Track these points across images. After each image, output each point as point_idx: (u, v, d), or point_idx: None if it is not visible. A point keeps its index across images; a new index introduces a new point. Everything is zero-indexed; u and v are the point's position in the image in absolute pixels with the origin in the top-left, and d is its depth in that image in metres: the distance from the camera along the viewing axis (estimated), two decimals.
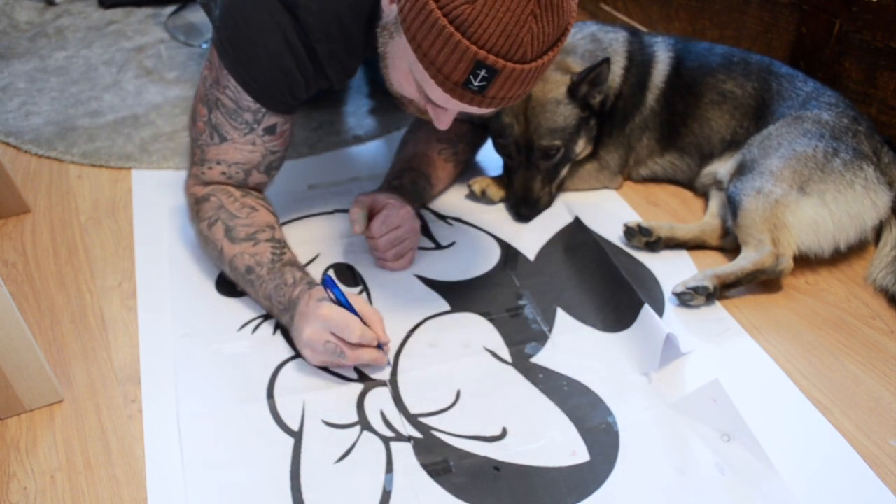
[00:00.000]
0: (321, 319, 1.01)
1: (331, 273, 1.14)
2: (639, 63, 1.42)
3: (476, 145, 1.46)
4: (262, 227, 1.16)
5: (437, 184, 1.38)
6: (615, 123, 1.43)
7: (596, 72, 1.31)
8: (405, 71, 0.99)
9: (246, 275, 1.13)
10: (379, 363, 1.06)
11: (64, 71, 1.91)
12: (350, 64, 1.13)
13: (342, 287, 1.04)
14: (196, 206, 1.19)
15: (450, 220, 1.40)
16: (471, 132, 1.42)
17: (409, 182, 1.31)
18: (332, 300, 1.03)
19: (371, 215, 1.22)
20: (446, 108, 1.01)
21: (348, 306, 1.02)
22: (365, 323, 1.04)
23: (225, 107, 1.13)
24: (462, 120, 1.40)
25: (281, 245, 1.15)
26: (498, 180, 1.45)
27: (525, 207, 1.38)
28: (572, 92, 1.33)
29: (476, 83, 0.91)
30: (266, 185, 1.25)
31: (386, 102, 1.78)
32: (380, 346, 1.05)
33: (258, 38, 1.06)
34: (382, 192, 1.24)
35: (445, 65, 0.90)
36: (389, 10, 0.97)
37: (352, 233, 1.18)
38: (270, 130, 1.15)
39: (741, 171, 1.30)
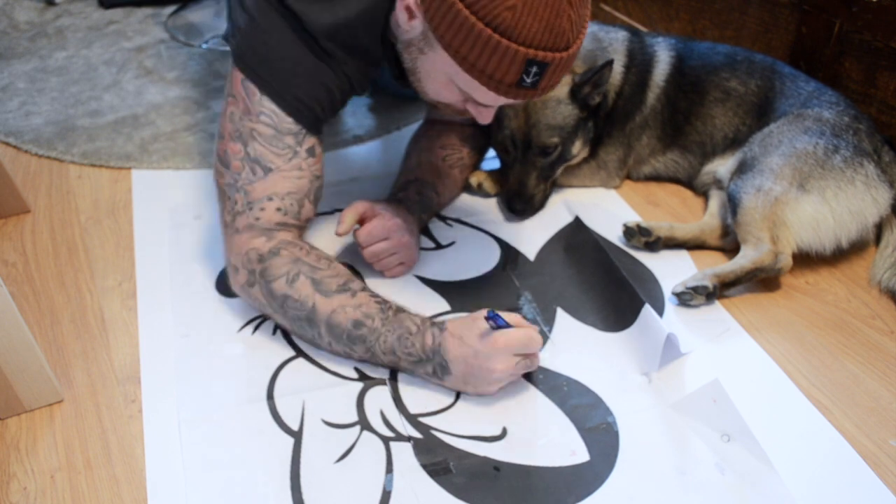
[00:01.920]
0: (504, 349, 0.97)
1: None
2: (639, 62, 1.42)
3: (481, 149, 1.44)
4: (349, 276, 1.07)
5: (443, 192, 1.36)
6: (615, 123, 1.44)
7: (599, 74, 1.31)
8: (444, 81, 1.01)
9: (354, 330, 1.02)
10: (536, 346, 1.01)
11: (64, 71, 1.91)
12: (373, 74, 1.13)
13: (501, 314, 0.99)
14: (261, 263, 1.06)
15: (450, 221, 1.40)
16: (474, 136, 1.41)
17: (414, 193, 1.29)
18: (493, 328, 0.98)
19: (363, 222, 1.19)
20: (490, 106, 1.03)
21: (506, 325, 0.98)
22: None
23: (262, 135, 1.06)
24: (464, 123, 1.40)
25: (375, 293, 1.06)
26: (494, 174, 1.45)
27: (519, 202, 1.38)
28: (574, 93, 1.33)
29: (529, 80, 0.94)
30: (310, 221, 1.16)
31: (386, 102, 1.78)
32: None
33: (290, 56, 1.04)
34: (381, 203, 1.22)
35: (497, 70, 0.93)
36: (410, 26, 0.98)
37: (336, 231, 1.16)
38: (311, 153, 1.10)
39: (742, 169, 1.30)
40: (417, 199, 1.29)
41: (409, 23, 0.98)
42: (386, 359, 1.04)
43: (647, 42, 1.45)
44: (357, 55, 1.07)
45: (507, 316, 0.99)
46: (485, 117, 1.07)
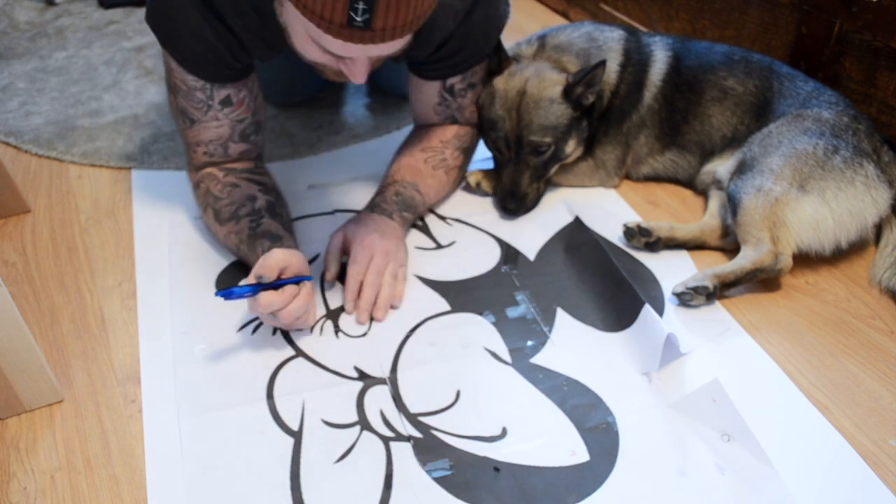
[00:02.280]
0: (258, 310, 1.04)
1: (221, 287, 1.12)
2: (636, 62, 1.43)
3: (468, 150, 1.43)
4: (241, 202, 1.19)
5: (427, 192, 1.34)
6: (612, 122, 1.44)
7: (592, 74, 1.31)
8: (303, 34, 1.00)
9: (237, 252, 1.20)
10: (294, 306, 1.05)
11: (64, 71, 1.91)
12: (271, 39, 1.12)
13: (243, 284, 1.04)
14: (194, 195, 1.27)
15: (449, 221, 1.40)
16: (457, 137, 1.40)
17: (392, 195, 1.29)
18: (250, 295, 1.02)
19: (346, 250, 1.21)
20: (354, 58, 1.00)
21: (249, 291, 1.02)
22: (275, 285, 1.03)
23: (180, 90, 1.18)
24: (444, 122, 1.40)
25: (259, 215, 1.18)
26: (490, 173, 1.46)
27: (512, 202, 1.38)
28: (567, 93, 1.33)
29: (359, 18, 0.89)
30: (252, 151, 1.27)
31: (386, 102, 1.78)
32: (286, 286, 1.04)
33: (178, 16, 1.09)
34: (352, 224, 1.22)
35: (325, 8, 0.89)
36: None
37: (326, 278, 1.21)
38: (226, 102, 1.19)
39: (741, 169, 1.30)
40: (396, 199, 1.28)
41: None
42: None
43: (644, 41, 1.45)
44: (246, 12, 1.09)
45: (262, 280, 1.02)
46: (356, 75, 1.02)
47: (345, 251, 1.22)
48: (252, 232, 1.16)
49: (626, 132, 1.45)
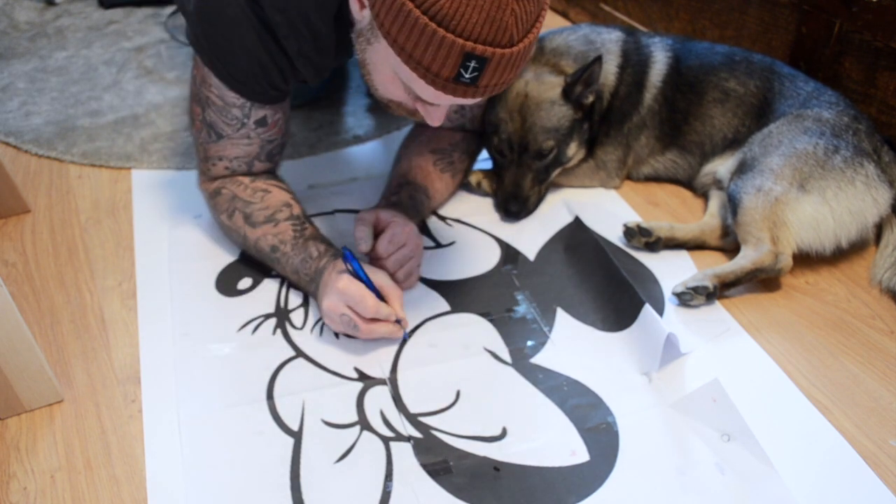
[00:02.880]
0: (338, 292, 1.05)
1: (349, 246, 1.12)
2: (635, 63, 1.43)
3: (472, 153, 1.43)
4: (278, 207, 1.19)
5: (434, 195, 1.35)
6: (612, 123, 1.44)
7: (589, 71, 1.31)
8: (389, 75, 0.98)
9: (271, 254, 1.18)
10: (395, 336, 1.10)
11: (64, 71, 1.91)
12: (321, 63, 1.12)
13: (362, 262, 1.08)
14: (211, 201, 1.24)
15: (450, 221, 1.40)
16: (464, 140, 1.40)
17: (406, 197, 1.28)
18: (350, 273, 1.06)
19: (375, 233, 1.19)
20: (437, 105, 1.00)
21: (366, 280, 1.06)
22: (382, 298, 1.08)
23: (214, 104, 1.15)
24: (455, 128, 1.39)
25: (301, 221, 1.19)
26: (491, 174, 1.46)
27: (514, 205, 1.38)
28: (567, 93, 1.34)
29: (468, 75, 0.89)
30: (274, 168, 1.27)
31: None
32: (398, 321, 1.08)
33: (231, 34, 1.06)
34: (383, 209, 1.22)
35: (434, 62, 0.88)
36: (361, 16, 0.96)
37: (358, 250, 1.16)
38: (262, 123, 1.18)
39: (742, 169, 1.30)
40: (410, 202, 1.28)
41: (360, 12, 0.96)
42: (293, 277, 1.18)
43: (643, 42, 1.46)
44: (304, 35, 1.07)
45: (372, 273, 1.08)
46: (434, 118, 1.03)
47: (374, 230, 1.19)
48: (299, 234, 1.16)
49: (626, 133, 1.45)
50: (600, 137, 1.45)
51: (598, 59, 1.31)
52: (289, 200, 1.21)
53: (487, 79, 0.91)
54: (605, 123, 1.44)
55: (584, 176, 1.48)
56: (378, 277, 1.09)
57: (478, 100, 0.96)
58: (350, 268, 1.07)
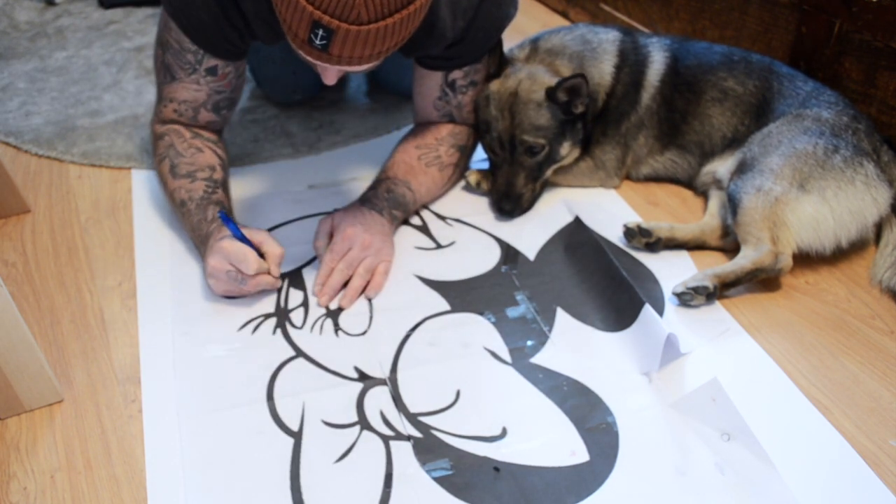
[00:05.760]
0: (222, 251, 1.12)
1: (225, 211, 1.20)
2: (632, 63, 1.43)
3: (464, 147, 1.44)
4: (202, 166, 1.27)
5: (419, 189, 1.35)
6: (610, 122, 1.44)
7: (570, 83, 1.32)
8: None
9: (180, 207, 1.24)
10: (275, 286, 1.19)
11: (64, 71, 1.91)
12: (276, 24, 1.14)
13: (239, 224, 1.15)
14: (154, 142, 1.32)
15: (449, 221, 1.40)
16: (452, 135, 1.41)
17: (383, 191, 1.31)
18: (231, 236, 1.13)
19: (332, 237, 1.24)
20: (323, 65, 1.06)
21: (244, 240, 1.13)
22: (262, 255, 1.15)
23: (172, 48, 1.24)
24: (443, 117, 1.41)
25: (215, 184, 1.25)
26: (488, 173, 1.46)
27: (507, 203, 1.39)
28: (550, 96, 1.34)
29: (318, 41, 0.97)
30: (218, 124, 1.34)
31: (386, 102, 1.78)
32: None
33: None
34: (340, 213, 1.25)
35: (292, 23, 0.97)
36: None
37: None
38: (212, 71, 1.26)
39: (742, 169, 1.30)
40: (386, 196, 1.30)
41: None
42: (191, 235, 1.24)
43: (641, 42, 1.46)
44: (258, 2, 1.14)
45: (251, 233, 1.16)
46: (326, 77, 1.09)
47: (331, 238, 1.24)
48: (206, 195, 1.23)
49: (624, 133, 1.45)
50: (598, 137, 1.45)
51: (581, 76, 1.32)
52: (215, 164, 1.28)
53: (338, 49, 0.97)
54: (602, 123, 1.44)
55: (583, 175, 1.48)
56: (256, 236, 1.15)
57: (342, 67, 1.03)
58: (229, 232, 1.14)
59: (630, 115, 1.44)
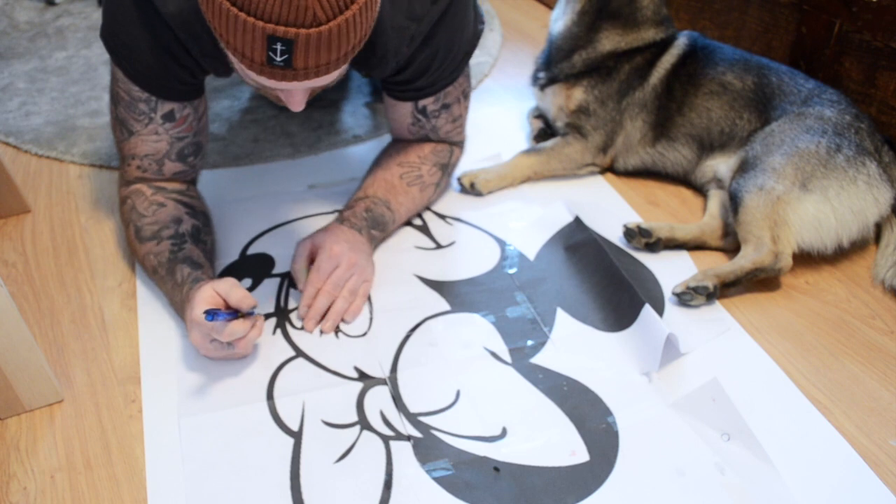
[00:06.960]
0: (196, 325, 1.02)
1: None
2: (664, 39, 1.48)
3: (445, 166, 1.39)
4: (165, 223, 1.17)
5: (399, 209, 1.30)
6: (611, 94, 1.47)
7: None
8: (238, 64, 0.97)
9: (153, 275, 1.16)
10: (258, 335, 1.05)
11: (64, 71, 1.91)
12: (225, 59, 1.09)
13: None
14: (120, 209, 1.24)
15: (450, 220, 1.40)
16: (434, 153, 1.36)
17: (362, 210, 1.26)
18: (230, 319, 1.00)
19: (312, 260, 1.19)
20: (287, 90, 0.98)
21: (225, 316, 0.99)
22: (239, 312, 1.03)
23: (123, 100, 1.16)
24: (421, 139, 1.36)
25: (181, 239, 1.15)
26: (483, 172, 1.46)
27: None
28: None
29: (278, 58, 0.87)
30: (188, 173, 1.25)
31: None
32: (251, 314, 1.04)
33: (134, 31, 1.08)
34: (320, 233, 1.20)
35: (245, 47, 0.87)
36: None
37: (298, 288, 1.18)
38: (169, 117, 1.17)
39: (743, 167, 1.30)
40: (366, 215, 1.25)
41: None
42: (170, 303, 1.15)
43: (675, 31, 1.51)
44: (202, 38, 1.06)
45: (223, 291, 1.01)
46: (293, 104, 1.00)
47: (311, 260, 1.20)
48: (173, 256, 1.13)
49: (623, 108, 1.46)
50: (595, 108, 1.47)
51: None
52: (180, 216, 1.18)
53: (302, 60, 0.88)
54: (605, 89, 1.47)
55: (571, 148, 1.49)
56: (231, 297, 1.01)
57: (308, 83, 0.93)
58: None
59: (635, 90, 1.46)
